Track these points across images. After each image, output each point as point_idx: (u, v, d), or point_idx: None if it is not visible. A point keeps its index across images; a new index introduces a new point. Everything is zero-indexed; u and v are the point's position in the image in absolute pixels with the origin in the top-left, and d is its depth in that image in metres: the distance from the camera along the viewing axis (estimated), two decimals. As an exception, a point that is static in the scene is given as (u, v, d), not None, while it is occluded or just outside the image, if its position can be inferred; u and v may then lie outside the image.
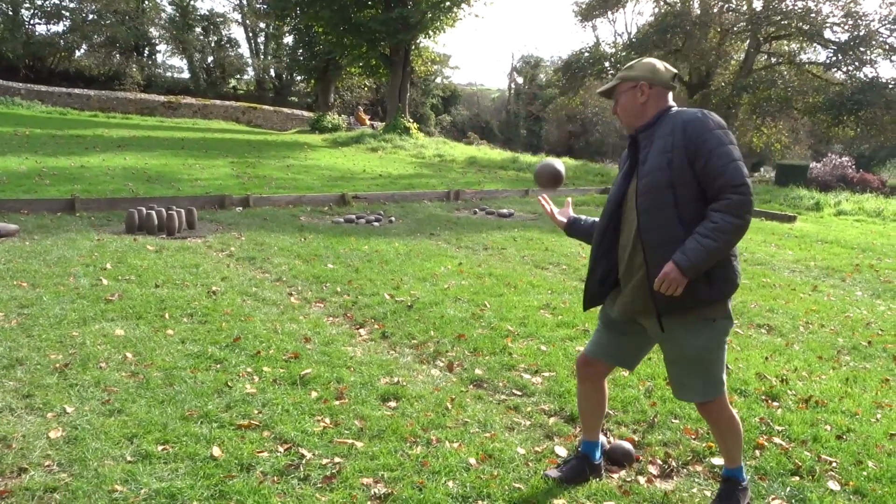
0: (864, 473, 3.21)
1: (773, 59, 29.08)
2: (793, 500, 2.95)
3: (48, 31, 38.15)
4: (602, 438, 3.34)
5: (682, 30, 26.44)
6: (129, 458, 2.96)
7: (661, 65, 2.74)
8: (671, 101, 2.72)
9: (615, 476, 3.12)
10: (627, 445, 3.31)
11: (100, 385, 3.68)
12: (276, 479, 2.88)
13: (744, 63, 27.96)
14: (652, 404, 3.86)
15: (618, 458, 3.23)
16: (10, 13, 35.19)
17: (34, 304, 4.92)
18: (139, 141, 18.56)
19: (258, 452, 3.07)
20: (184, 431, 3.21)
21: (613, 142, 52.68)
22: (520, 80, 54.78)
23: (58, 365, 3.90)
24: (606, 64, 30.45)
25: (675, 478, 3.12)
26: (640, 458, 3.31)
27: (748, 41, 27.95)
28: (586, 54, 30.95)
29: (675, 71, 2.79)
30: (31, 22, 37.11)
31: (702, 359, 2.63)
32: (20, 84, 29.93)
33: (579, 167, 20.32)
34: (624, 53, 29.40)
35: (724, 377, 2.70)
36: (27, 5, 36.29)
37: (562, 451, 3.29)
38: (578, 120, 50.00)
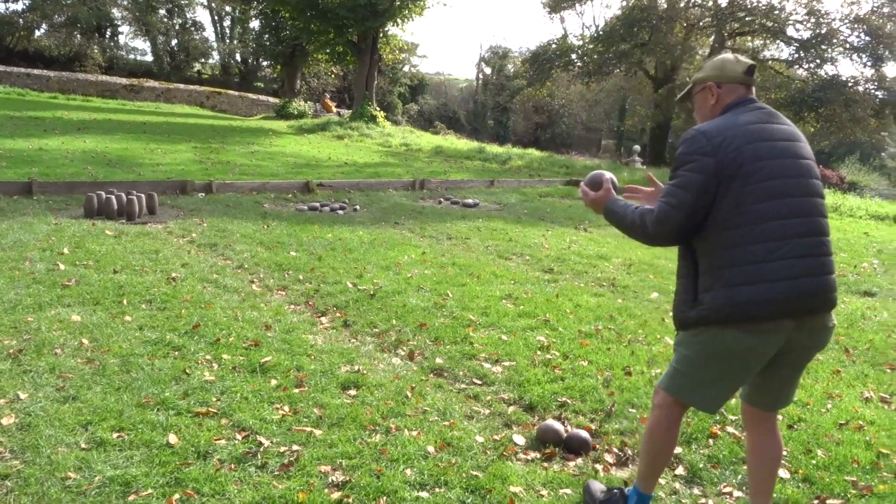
0: (814, 462, 3.31)
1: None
2: (744, 487, 3.03)
3: (7, 9, 37.10)
4: (560, 426, 3.40)
5: (648, 24, 26.69)
6: (83, 446, 2.92)
7: (731, 58, 2.60)
8: (745, 96, 2.56)
9: (571, 464, 3.17)
10: (584, 434, 3.36)
11: (55, 371, 3.62)
12: (233, 466, 2.87)
13: (708, 58, 28.32)
14: (610, 394, 3.92)
15: (575, 447, 3.28)
16: (-35, -11, 34.10)
17: (-13, 289, 4.81)
18: (100, 124, 18.18)
19: (216, 440, 3.06)
20: (140, 419, 3.18)
21: (579, 134, 53.09)
22: (488, 70, 54.72)
23: (11, 351, 3.83)
24: (574, 56, 30.64)
25: (630, 466, 3.18)
26: (597, 446, 3.37)
27: (713, 37, 28.38)
28: (554, 46, 31.06)
29: (750, 63, 2.60)
30: (-12, -1, 36.02)
31: (680, 357, 2.54)
32: (-25, 63, 29.04)
33: (545, 159, 20.42)
34: (591, 46, 29.60)
35: (695, 394, 2.51)
36: (-17, -18, 35.22)
37: (520, 440, 3.34)
38: (545, 111, 50.23)
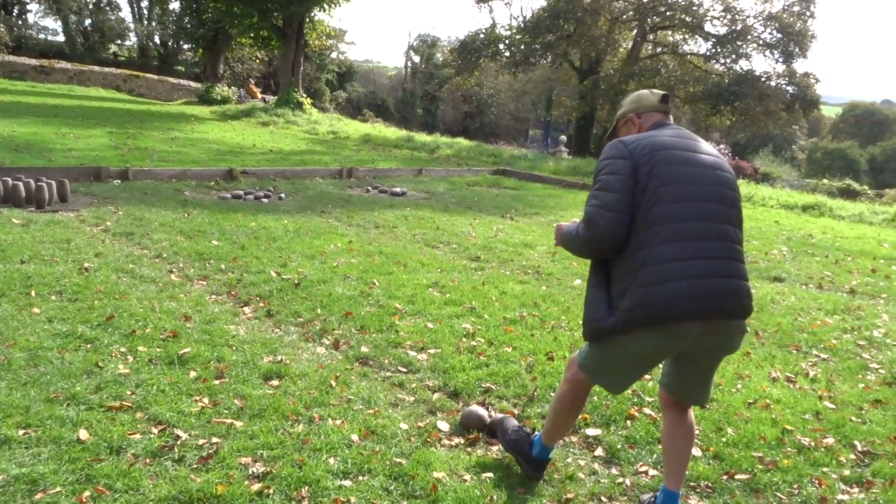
0: (724, 440, 3.45)
1: (658, 49, 30.33)
2: (658, 466, 3.13)
3: None
4: (484, 412, 3.43)
5: (573, 16, 27.05)
6: (-15, 444, 2.78)
7: (646, 92, 2.82)
8: (663, 120, 2.74)
9: (494, 448, 3.21)
10: (509, 418, 3.40)
11: (-47, 367, 3.42)
12: (148, 461, 2.78)
13: (631, 51, 29.02)
14: (532, 379, 3.98)
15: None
16: None
17: None
18: (7, 107, 17.23)
19: (130, 434, 2.95)
20: (48, 414, 3.04)
21: (507, 124, 53.59)
22: (416, 58, 54.56)
23: None
24: (501, 46, 30.79)
25: (556, 447, 3.23)
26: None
27: (636, 30, 29.01)
28: (482, 35, 31.16)
29: (663, 93, 2.79)
30: None
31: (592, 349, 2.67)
32: None
33: (473, 148, 20.51)
34: (518, 36, 29.83)
35: (605, 378, 2.67)
36: None
37: (444, 426, 3.35)
38: (474, 101, 50.47)
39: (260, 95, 30.07)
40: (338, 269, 5.96)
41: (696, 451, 3.29)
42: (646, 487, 2.99)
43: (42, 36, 40.29)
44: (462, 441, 3.25)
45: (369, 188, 11.43)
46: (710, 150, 2.60)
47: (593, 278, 2.60)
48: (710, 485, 3.05)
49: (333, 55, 47.28)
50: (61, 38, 40.28)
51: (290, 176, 11.68)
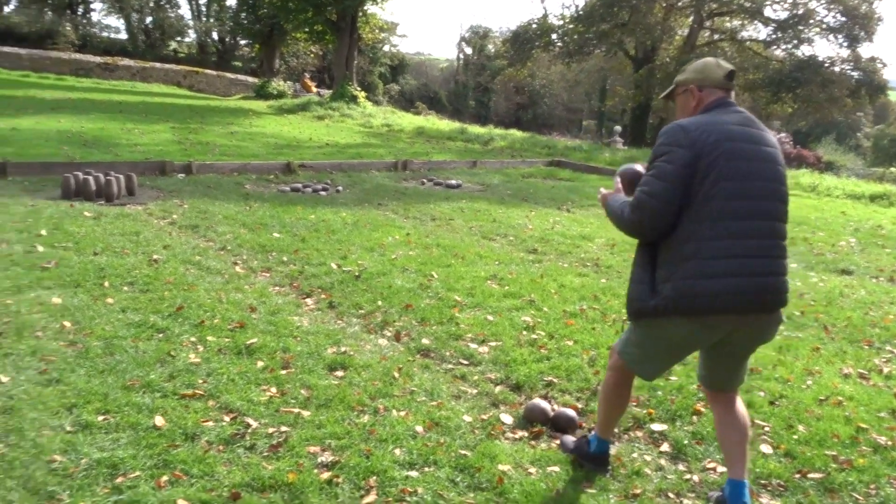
0: (795, 437, 3.37)
1: (716, 36, 29.61)
2: (726, 463, 3.07)
3: (-27, -16, 36.03)
4: (547, 405, 3.42)
5: (628, 4, 26.62)
6: (68, 429, 2.90)
7: (712, 63, 2.66)
8: (725, 99, 2.61)
9: (559, 442, 3.19)
10: (571, 412, 3.39)
11: (36, 354, 3.57)
12: (221, 448, 2.86)
13: (687, 39, 28.41)
14: (595, 373, 3.95)
15: (562, 425, 3.31)
16: (-68, -36, 33.16)
17: (-36, 272, 4.72)
18: (74, 103, 17.85)
19: (203, 422, 3.04)
20: (125, 401, 3.15)
21: (560, 114, 53.11)
22: (468, 50, 54.44)
23: (-9, 334, 3.77)
24: (554, 36, 30.52)
25: (616, 443, 3.21)
26: (584, 424, 3.40)
27: (692, 17, 28.38)
28: (534, 26, 30.92)
29: (730, 68, 2.65)
30: (-44, -25, 35.10)
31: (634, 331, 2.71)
32: (-56, 40, 28.33)
33: (527, 139, 20.37)
34: (571, 26, 29.50)
35: (642, 365, 2.70)
36: (-50, -44, 34.25)
37: (507, 419, 3.36)
38: (526, 92, 50.15)
39: (315, 89, 30.43)
40: (396, 262, 6.01)
41: (766, 449, 3.22)
42: (714, 485, 2.93)
43: (106, 34, 41.53)
44: (526, 434, 3.25)
45: (424, 180, 11.48)
46: (771, 142, 2.56)
47: (640, 257, 2.61)
48: (781, 483, 2.98)
49: (386, 48, 47.52)
50: (124, 35, 41.51)
51: (347, 169, 11.81)
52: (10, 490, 2.47)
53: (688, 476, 3.00)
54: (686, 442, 3.25)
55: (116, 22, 59.03)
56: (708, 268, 2.39)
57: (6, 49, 29.50)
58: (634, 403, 3.59)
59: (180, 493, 2.52)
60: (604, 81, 42.88)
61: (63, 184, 7.62)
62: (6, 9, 37.13)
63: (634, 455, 3.13)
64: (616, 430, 3.28)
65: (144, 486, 2.55)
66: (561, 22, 30.46)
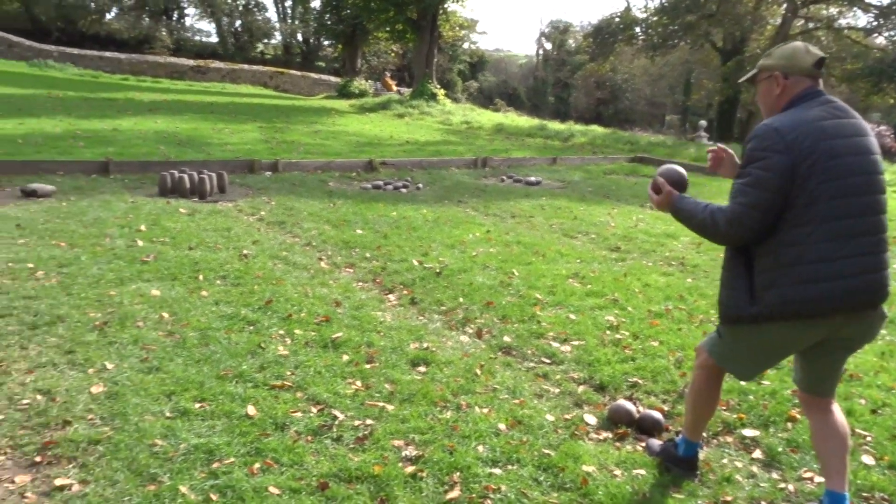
0: (897, 448, 3.20)
1: (811, 24, 28.29)
2: (823, 472, 2.95)
3: (79, -7, 38.16)
4: (632, 407, 3.37)
5: (716, -7, 25.77)
6: (168, 414, 3.04)
7: (801, 48, 2.52)
8: (813, 88, 2.49)
9: (644, 444, 3.14)
10: (657, 415, 3.32)
11: (138, 343, 3.76)
12: (309, 438, 2.95)
13: (780, 28, 27.22)
14: (681, 375, 3.86)
15: (647, 427, 3.25)
16: (41, -25, 35.32)
17: (73, 264, 5.02)
18: (169, 105, 18.67)
19: (292, 412, 3.14)
20: (220, 390, 3.28)
21: (642, 109, 51.92)
22: (548, 45, 53.93)
23: (97, 323, 4.00)
24: (637, 29, 29.90)
25: (705, 448, 3.13)
26: (670, 427, 3.33)
27: (785, 5, 27.19)
28: (617, 19, 30.36)
29: (820, 55, 2.52)
30: (62, -16, 37.26)
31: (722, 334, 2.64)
32: (53, 47, 30.17)
33: (608, 135, 20.03)
34: (655, 18, 28.80)
35: (733, 364, 2.63)
36: (57, -33, 36.37)
37: (591, 420, 3.32)
38: (607, 87, 49.28)
39: (395, 88, 30.83)
40: (477, 259, 6.02)
41: (867, 460, 3.07)
42: (811, 495, 2.82)
43: (198, 38, 43.33)
44: (610, 436, 3.20)
45: (504, 177, 11.46)
46: (864, 130, 2.45)
47: (731, 262, 2.52)
48: (885, 497, 2.83)
49: (465, 45, 47.64)
50: (214, 39, 43.19)
51: (427, 166, 11.92)
52: (116, 471, 2.62)
53: (782, 485, 2.89)
54: (780, 449, 3.14)
55: (208, 26, 61.35)
56: (817, 272, 2.31)
57: (108, 54, 31.18)
58: (724, 408, 3.48)
59: (271, 481, 2.61)
60: (688, 74, 41.70)
61: (160, 181, 7.99)
62: (107, 16, 39.17)
63: (724, 461, 3.04)
64: (704, 435, 3.20)
65: (238, 472, 2.65)
66: (644, 14, 29.80)
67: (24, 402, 3.10)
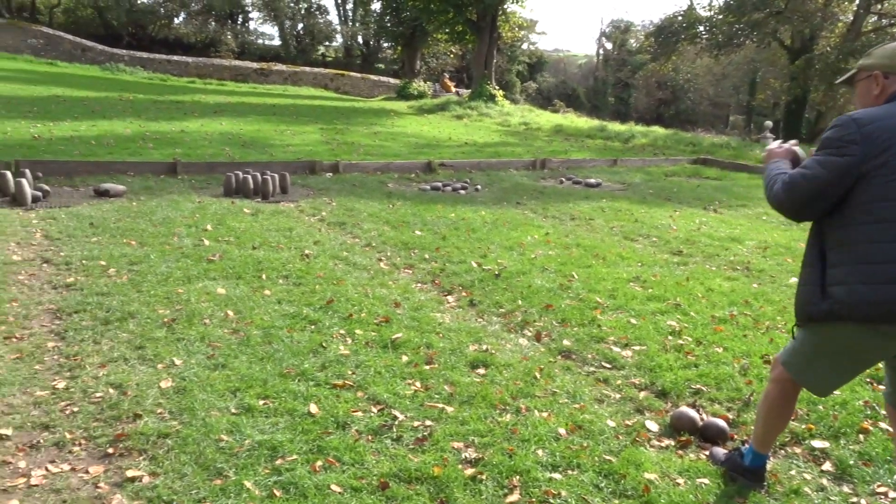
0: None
1: (884, 21, 27.19)
2: (899, 488, 2.84)
3: (149, -1, 39.57)
4: (695, 414, 3.30)
5: (785, -10, 25.01)
6: (233, 410, 3.12)
7: None
8: None
9: (708, 453, 3.07)
10: (722, 423, 3.24)
11: (204, 340, 3.87)
12: (370, 437, 2.98)
13: (852, 25, 26.24)
14: (747, 382, 3.76)
15: (712, 436, 3.18)
16: (114, -18, 36.67)
17: (143, 262, 5.19)
18: (234, 107, 19.14)
19: (353, 411, 3.18)
20: (283, 388, 3.35)
21: (705, 110, 50.80)
22: (609, 45, 53.27)
23: (166, 319, 4.13)
24: (701, 28, 29.24)
25: (772, 458, 3.04)
26: (735, 436, 3.24)
27: (857, 1, 26.20)
28: (679, 18, 29.77)
29: None
30: (134, -10, 38.67)
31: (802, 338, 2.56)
32: (124, 51, 31.30)
33: (670, 136, 19.65)
34: (720, 17, 28.13)
35: (808, 376, 2.55)
36: (129, -26, 37.74)
37: (653, 426, 3.26)
38: (669, 87, 48.39)
39: (454, 89, 30.91)
40: (536, 261, 5.99)
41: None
42: (885, 511, 2.71)
43: (261, 41, 44.29)
44: (673, 443, 3.14)
45: (563, 179, 11.37)
46: None
47: (809, 256, 2.47)
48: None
49: (524, 46, 47.45)
50: (277, 42, 44.05)
51: (485, 168, 11.91)
52: (184, 464, 2.70)
53: (854, 499, 2.78)
54: (851, 462, 3.02)
55: (271, 30, 62.77)
56: (885, 273, 2.22)
57: (175, 58, 32.16)
58: (792, 418, 3.37)
59: (333, 479, 2.64)
60: (754, 74, 40.62)
61: (225, 182, 8.20)
62: (176, 20, 40.43)
63: (792, 472, 2.95)
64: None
65: (301, 469, 2.69)
66: (709, 13, 29.14)
67: (98, 395, 3.22)
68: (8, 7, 33.13)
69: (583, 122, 24.32)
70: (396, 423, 3.11)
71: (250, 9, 43.97)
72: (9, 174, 7.28)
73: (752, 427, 3.26)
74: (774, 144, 2.72)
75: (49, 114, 13.67)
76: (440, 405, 3.30)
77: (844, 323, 2.31)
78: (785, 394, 2.66)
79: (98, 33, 34.78)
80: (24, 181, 7.02)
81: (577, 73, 55.80)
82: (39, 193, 7.22)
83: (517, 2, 27.51)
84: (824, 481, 2.91)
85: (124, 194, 7.63)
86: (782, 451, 3.13)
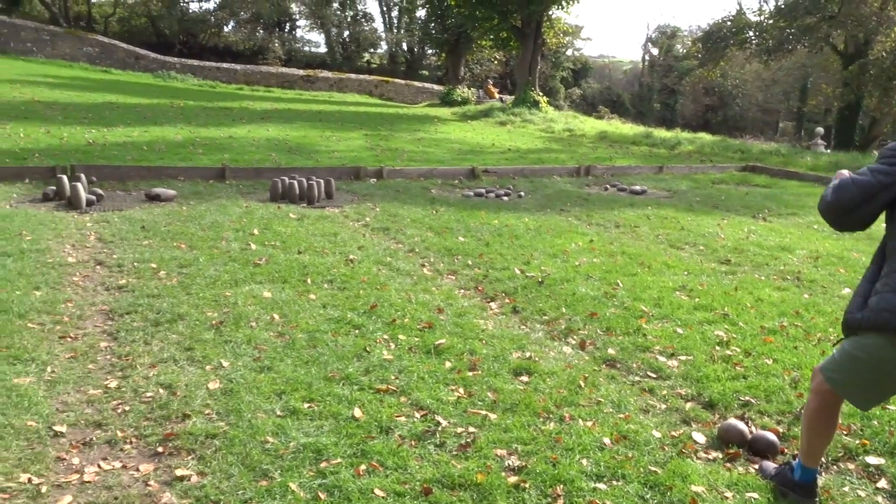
0: None
1: (945, 26, 26.31)
2: (959, 509, 2.73)
3: (200, 8, 40.74)
4: (744, 427, 3.23)
5: (838, -6, 24.40)
6: (278, 413, 3.16)
7: None
8: None
9: (757, 467, 3.00)
10: (771, 436, 3.17)
11: (251, 343, 3.93)
12: (413, 443, 2.98)
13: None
14: (798, 395, 3.66)
15: (761, 449, 3.11)
16: (167, -9, 37.67)
17: (192, 265, 5.30)
18: (280, 113, 19.44)
19: (396, 416, 3.19)
20: (327, 391, 3.38)
21: (754, 116, 49.83)
22: (654, 51, 52.67)
23: (214, 322, 4.20)
24: (750, 33, 28.70)
25: (824, 474, 2.95)
26: (786, 450, 3.16)
27: (916, 5, 25.41)
28: (728, 23, 29.27)
29: None
30: (185, 0, 39.65)
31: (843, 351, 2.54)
32: (175, 59, 32.09)
33: (717, 143, 19.31)
34: (771, 21, 27.57)
35: (848, 388, 2.53)
36: (182, -17, 38.71)
37: (700, 438, 3.20)
38: (717, 93, 47.59)
39: (497, 95, 30.90)
40: (580, 269, 5.94)
41: None
42: (945, 532, 2.61)
43: (307, 48, 44.92)
44: (720, 455, 3.08)
45: (607, 186, 11.26)
46: None
47: (868, 271, 2.51)
48: None
49: (569, 52, 47.22)
50: (323, 49, 44.63)
51: (529, 174, 11.87)
52: (231, 465, 2.74)
53: (911, 519, 2.69)
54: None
55: (318, 37, 63.73)
56: None
57: (224, 65, 32.85)
58: (845, 432, 3.28)
59: (377, 483, 2.66)
60: (805, 79, 39.73)
61: (271, 187, 8.33)
62: (225, 28, 41.30)
63: (846, 489, 2.86)
64: (823, 460, 3.03)
65: (345, 472, 2.71)
66: (759, 17, 28.59)
67: (148, 394, 3.30)
68: (66, 17, 34.24)
69: (628, 128, 24.07)
70: (440, 428, 3.11)
71: (297, 17, 44.70)
72: (65, 178, 7.51)
73: (804, 441, 3.19)
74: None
75: (103, 120, 14.09)
76: (483, 412, 3.29)
77: (880, 333, 2.32)
78: (826, 405, 2.61)
79: (151, 42, 35.74)
80: (79, 185, 7.24)
81: (622, 79, 55.29)
82: (94, 197, 7.45)
83: (562, 8, 27.41)
84: (879, 499, 2.82)
85: (174, 198, 7.81)
86: (835, 467, 3.04)
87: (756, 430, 3.28)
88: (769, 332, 4.64)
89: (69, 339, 3.91)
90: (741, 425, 3.23)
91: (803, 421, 2.73)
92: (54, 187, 7.51)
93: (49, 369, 3.51)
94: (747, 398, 3.63)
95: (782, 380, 3.85)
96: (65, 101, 16.72)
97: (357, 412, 3.19)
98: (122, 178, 8.76)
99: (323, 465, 2.77)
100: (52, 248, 5.63)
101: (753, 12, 29.78)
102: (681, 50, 49.55)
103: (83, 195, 7.22)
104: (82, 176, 7.88)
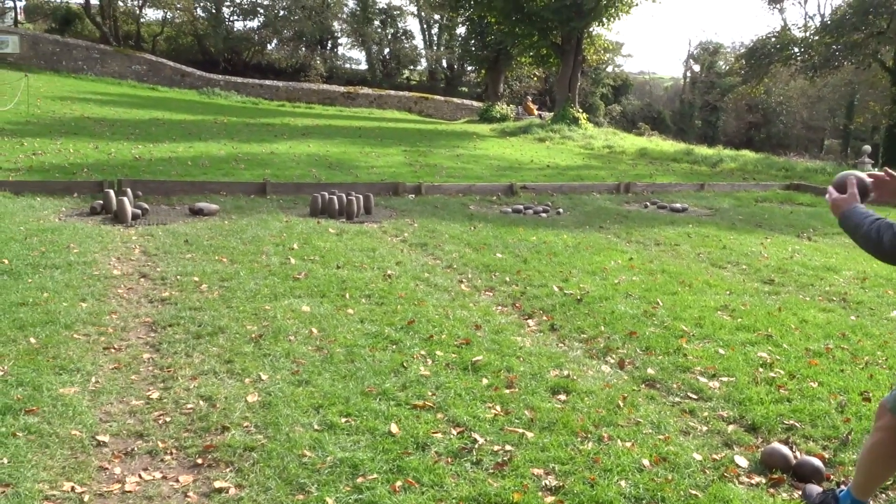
0: None
1: None
2: None
3: (244, 26, 41.48)
4: (788, 451, 3.14)
5: (886, 9, 23.91)
6: (316, 427, 3.18)
7: None
8: None
9: (802, 491, 2.91)
10: (817, 462, 3.08)
11: (289, 356, 3.97)
12: (450, 460, 2.97)
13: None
14: (845, 420, 3.56)
15: (806, 475, 3.02)
16: (213, 11, 38.59)
17: (233, 279, 5.39)
18: (321, 129, 19.71)
19: (433, 433, 3.18)
20: (364, 406, 3.39)
21: (798, 133, 48.93)
22: (696, 67, 52.17)
23: (253, 335, 4.26)
24: (795, 49, 28.30)
25: (870, 502, 2.86)
26: (831, 476, 3.07)
27: (968, 21, 24.79)
28: (773, 39, 28.90)
29: None
30: (231, 19, 40.64)
31: None
32: (220, 76, 32.80)
33: (761, 160, 18.99)
34: (816, 38, 27.15)
35: None
36: (227, 3, 39.63)
37: (742, 462, 3.13)
38: (760, 110, 46.90)
39: (536, 112, 30.91)
40: (619, 287, 5.88)
41: None
42: None
43: (348, 66, 45.54)
44: (763, 480, 3.00)
45: (647, 203, 11.15)
46: None
47: None
48: None
49: (609, 69, 47.03)
50: (363, 66, 45.22)
51: (568, 191, 11.82)
52: (268, 478, 2.76)
53: (966, 552, 2.59)
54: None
55: (358, 54, 64.67)
56: None
57: (267, 82, 33.46)
58: None
59: (413, 500, 2.65)
60: (852, 96, 38.94)
61: (311, 202, 8.44)
62: (269, 46, 42.14)
63: (896, 519, 2.77)
64: (872, 489, 2.93)
65: (381, 488, 2.71)
66: (804, 34, 28.16)
67: (189, 406, 3.35)
68: (116, 36, 35.30)
69: (668, 145, 23.83)
70: (476, 446, 3.09)
71: (339, 35, 45.39)
72: (112, 193, 7.72)
73: (851, 468, 3.09)
74: (836, 195, 2.47)
75: (149, 136, 14.45)
76: (520, 430, 3.27)
77: None
78: (893, 443, 2.47)
79: (197, 59, 36.64)
80: (125, 199, 7.42)
81: (662, 96, 54.84)
82: (139, 211, 7.63)
83: (603, 25, 27.35)
84: (932, 531, 2.72)
85: (217, 213, 7.95)
86: (883, 496, 2.94)
87: (801, 455, 3.20)
88: (814, 354, 4.53)
89: (113, 350, 3.99)
90: (785, 450, 3.15)
91: (863, 457, 2.60)
92: (101, 201, 7.72)
93: (93, 380, 3.59)
94: (791, 422, 3.54)
95: (828, 404, 3.75)
96: (113, 117, 17.21)
97: (394, 428, 3.19)
98: (167, 192, 8.96)
99: (359, 480, 2.77)
100: (99, 260, 5.77)
101: (799, 28, 29.31)
102: (723, 66, 49.00)
103: (129, 209, 7.40)
104: (128, 190, 8.08)
